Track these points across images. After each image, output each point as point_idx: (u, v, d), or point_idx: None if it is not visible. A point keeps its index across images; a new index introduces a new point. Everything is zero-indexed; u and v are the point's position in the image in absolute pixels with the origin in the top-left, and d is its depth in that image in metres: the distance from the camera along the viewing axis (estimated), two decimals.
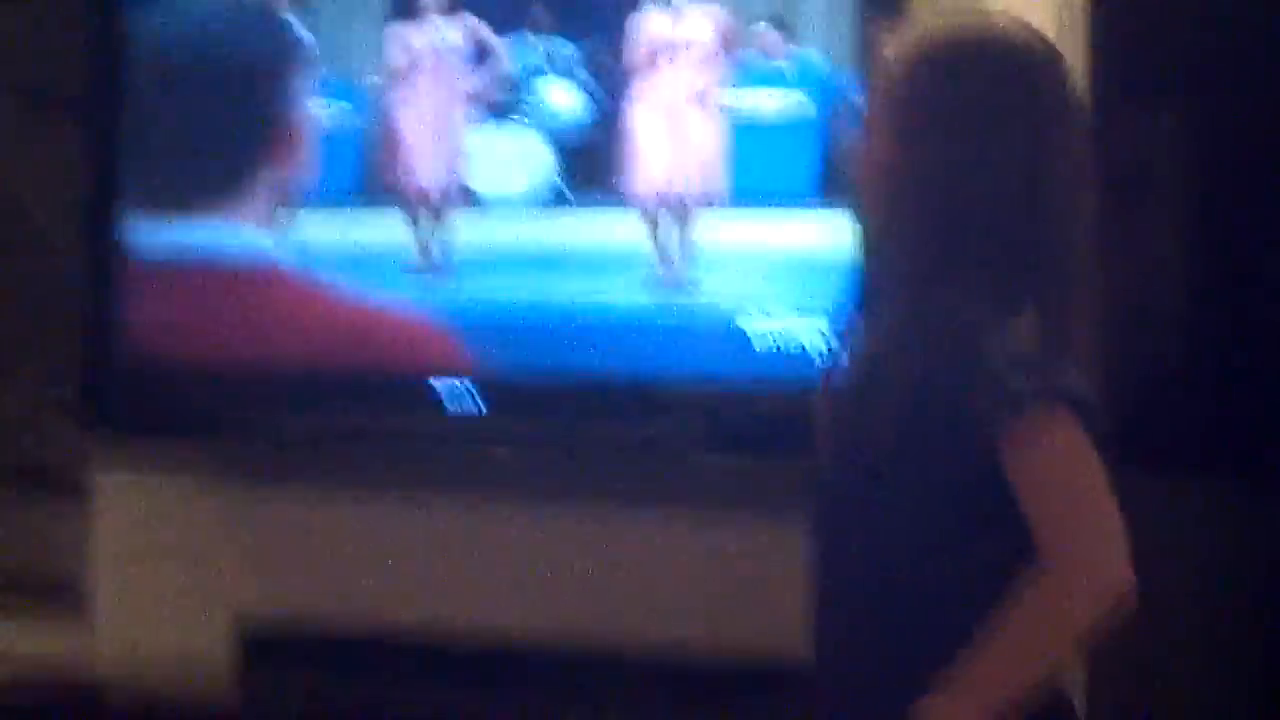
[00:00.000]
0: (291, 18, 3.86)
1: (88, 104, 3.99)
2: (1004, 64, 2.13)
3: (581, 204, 3.74)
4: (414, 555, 3.85)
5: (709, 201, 3.62)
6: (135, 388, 3.88)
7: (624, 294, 3.63)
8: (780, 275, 3.53)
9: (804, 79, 3.60)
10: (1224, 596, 3.75)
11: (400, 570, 3.86)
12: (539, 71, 3.78)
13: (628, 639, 3.69)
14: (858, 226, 2.20)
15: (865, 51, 3.34)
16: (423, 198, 3.79)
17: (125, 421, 3.92)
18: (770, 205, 3.59)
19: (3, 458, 4.33)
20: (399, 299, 3.73)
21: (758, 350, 3.50)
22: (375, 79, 3.83)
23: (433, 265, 3.76)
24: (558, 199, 3.75)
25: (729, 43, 3.64)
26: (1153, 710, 3.61)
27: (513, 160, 3.78)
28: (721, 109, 3.63)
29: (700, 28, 3.66)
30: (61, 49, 4.15)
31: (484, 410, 3.65)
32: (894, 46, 2.18)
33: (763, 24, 3.63)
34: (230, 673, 3.90)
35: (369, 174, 3.87)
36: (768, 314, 3.51)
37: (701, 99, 3.65)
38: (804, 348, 3.44)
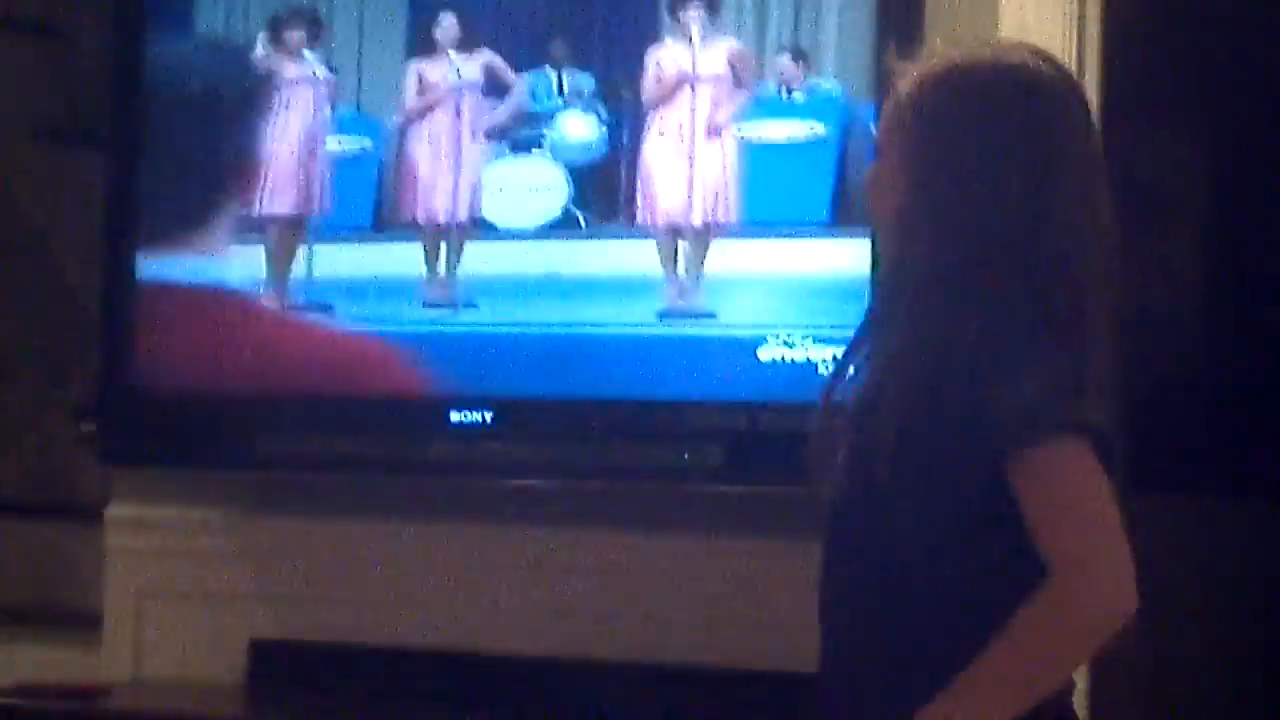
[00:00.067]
0: (308, 53, 3.88)
1: (108, 138, 4.02)
2: (1019, 91, 2.14)
3: (598, 233, 3.76)
4: (429, 581, 3.85)
5: (725, 230, 3.62)
6: (150, 419, 3.90)
7: (640, 322, 3.64)
8: (796, 301, 3.54)
9: (821, 108, 3.60)
10: (1227, 611, 3.75)
11: (414, 595, 3.86)
12: (558, 105, 3.79)
13: (640, 659, 3.69)
14: (875, 250, 2.21)
15: (882, 81, 3.35)
16: (439, 230, 3.80)
17: (138, 452, 3.94)
18: (787, 233, 3.60)
19: (22, 489, 4.34)
20: (400, 330, 3.76)
21: (772, 376, 3.51)
22: (394, 115, 3.85)
23: (450, 296, 3.77)
24: (574, 227, 3.76)
25: (745, 73, 3.65)
26: None
27: (530, 191, 3.79)
28: (738, 139, 3.64)
29: (717, 59, 3.66)
30: (82, 83, 4.18)
31: (500, 437, 3.65)
32: (908, 74, 2.19)
33: (780, 54, 3.64)
34: (242, 694, 3.92)
35: (387, 206, 3.88)
36: (782, 340, 3.52)
37: (718, 129, 3.66)
38: (819, 373, 3.44)
